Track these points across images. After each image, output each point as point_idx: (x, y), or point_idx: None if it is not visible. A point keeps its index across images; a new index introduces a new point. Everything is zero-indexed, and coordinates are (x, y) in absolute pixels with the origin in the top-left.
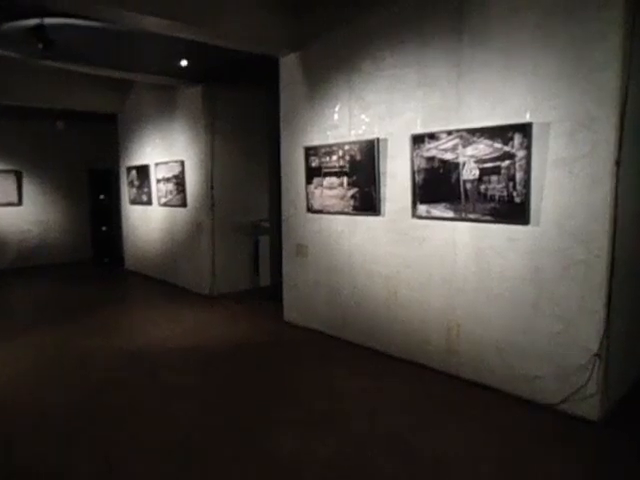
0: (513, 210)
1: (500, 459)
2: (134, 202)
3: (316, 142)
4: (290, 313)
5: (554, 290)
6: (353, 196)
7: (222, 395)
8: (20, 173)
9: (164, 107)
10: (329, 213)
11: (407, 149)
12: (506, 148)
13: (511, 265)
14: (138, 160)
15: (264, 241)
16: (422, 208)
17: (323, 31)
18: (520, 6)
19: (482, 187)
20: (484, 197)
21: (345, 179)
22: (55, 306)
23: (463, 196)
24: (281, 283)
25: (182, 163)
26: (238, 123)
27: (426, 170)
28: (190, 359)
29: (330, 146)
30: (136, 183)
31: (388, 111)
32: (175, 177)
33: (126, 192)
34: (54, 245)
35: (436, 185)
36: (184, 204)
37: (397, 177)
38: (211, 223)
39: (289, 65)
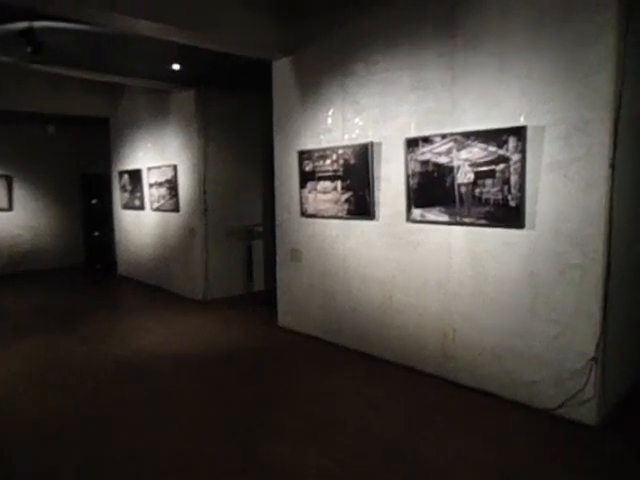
0: (508, 214)
1: (499, 465)
2: (126, 207)
3: (310, 146)
4: (284, 318)
5: (550, 294)
6: (347, 200)
7: (215, 402)
8: (10, 178)
9: (157, 111)
10: (323, 217)
11: (401, 153)
12: (501, 151)
13: (507, 269)
14: (130, 164)
15: (258, 246)
16: (417, 212)
17: (316, 35)
18: (513, 9)
19: (477, 191)
20: (479, 201)
21: (339, 183)
22: (47, 313)
23: (458, 200)
24: (275, 288)
25: (175, 167)
26: (231, 127)
27: (420, 174)
28: (183, 365)
29: (324, 150)
30: (128, 188)
31: (382, 115)
32: (168, 182)
33: (118, 197)
34: (45, 251)
35: (431, 189)
36: (177, 209)
37: (391, 181)
38: (204, 228)
39: (282, 69)
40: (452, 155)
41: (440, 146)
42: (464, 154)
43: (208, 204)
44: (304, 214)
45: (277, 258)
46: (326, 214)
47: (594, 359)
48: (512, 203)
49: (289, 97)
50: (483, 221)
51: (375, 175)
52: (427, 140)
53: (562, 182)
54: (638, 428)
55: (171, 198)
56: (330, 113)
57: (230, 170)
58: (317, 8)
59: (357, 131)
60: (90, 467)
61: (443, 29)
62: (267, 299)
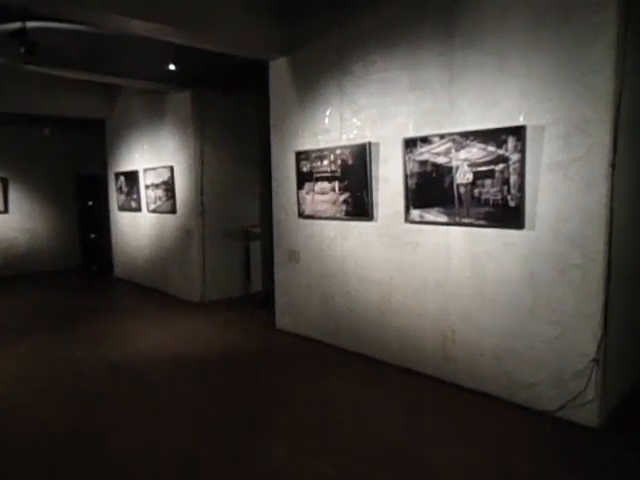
0: (507, 214)
1: (500, 468)
2: (123, 208)
3: (307, 147)
4: (282, 320)
5: (550, 295)
6: (345, 201)
7: (213, 405)
8: (6, 180)
9: (153, 112)
10: (321, 218)
11: (399, 153)
12: (500, 151)
13: (506, 270)
14: (127, 166)
15: (255, 247)
16: (415, 213)
17: (314, 35)
18: (512, 8)
19: (476, 191)
20: (478, 201)
21: (337, 184)
22: (43, 315)
23: (457, 200)
24: (273, 289)
25: (171, 169)
26: (228, 128)
27: (419, 174)
28: (181, 368)
29: (321, 150)
30: (125, 189)
31: (380, 115)
32: (164, 183)
33: (114, 198)
34: (42, 253)
35: (429, 189)
36: (174, 210)
37: (389, 181)
38: (201, 229)
39: (279, 69)
40: (451, 155)
41: (438, 146)
42: (463, 154)
43: (205, 205)
44: (302, 215)
45: (275, 259)
46: (324, 215)
47: (595, 360)
48: (511, 203)
49: (286, 97)
50: (482, 221)
51: (373, 175)
52: (425, 140)
53: (562, 182)
54: (639, 430)
55: (168, 199)
56: (328, 113)
57: (227, 171)
58: (315, 8)
59: (355, 131)
60: (88, 469)
61: (441, 29)
62: (265, 300)
